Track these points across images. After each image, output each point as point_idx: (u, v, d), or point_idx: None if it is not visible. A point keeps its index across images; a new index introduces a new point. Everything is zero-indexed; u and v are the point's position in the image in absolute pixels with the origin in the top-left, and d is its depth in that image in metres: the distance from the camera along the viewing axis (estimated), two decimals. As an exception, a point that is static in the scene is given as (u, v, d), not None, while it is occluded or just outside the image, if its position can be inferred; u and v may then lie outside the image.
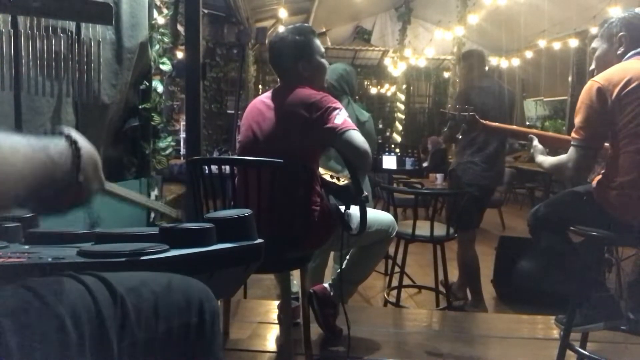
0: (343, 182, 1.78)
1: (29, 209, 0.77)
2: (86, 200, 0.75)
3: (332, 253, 2.46)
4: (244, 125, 1.86)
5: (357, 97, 2.87)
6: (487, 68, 3.17)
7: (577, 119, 1.70)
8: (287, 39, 1.78)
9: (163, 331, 0.72)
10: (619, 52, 1.73)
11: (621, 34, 1.72)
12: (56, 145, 0.69)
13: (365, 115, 2.55)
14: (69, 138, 0.71)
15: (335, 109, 1.64)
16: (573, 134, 1.72)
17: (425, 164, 6.08)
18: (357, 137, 1.61)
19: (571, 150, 1.72)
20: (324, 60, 1.82)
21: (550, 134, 2.27)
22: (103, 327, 0.65)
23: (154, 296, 0.72)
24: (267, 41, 1.88)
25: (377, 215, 1.96)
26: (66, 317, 0.62)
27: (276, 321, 2.27)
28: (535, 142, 1.96)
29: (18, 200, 0.62)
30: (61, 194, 0.70)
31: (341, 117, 1.62)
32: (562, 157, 1.77)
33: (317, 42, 1.82)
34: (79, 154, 0.70)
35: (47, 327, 0.60)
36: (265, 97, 1.84)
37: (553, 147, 1.99)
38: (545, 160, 1.89)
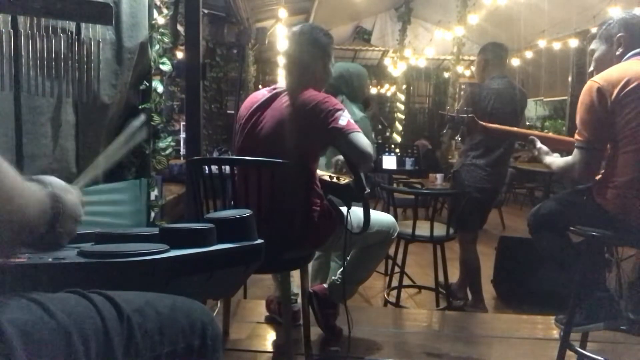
0: (344, 181, 1.78)
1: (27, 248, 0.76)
2: (58, 244, 0.76)
3: (332, 253, 2.46)
4: (243, 123, 1.82)
5: (364, 99, 2.83)
6: (504, 64, 2.92)
7: (579, 121, 1.70)
8: (308, 38, 1.83)
9: (167, 352, 0.73)
10: (617, 52, 1.73)
11: (620, 34, 1.72)
12: (40, 190, 0.68)
13: (357, 115, 2.55)
14: (51, 195, 0.70)
15: (339, 110, 1.67)
16: (576, 136, 1.71)
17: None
18: (362, 139, 1.64)
19: (576, 152, 1.71)
20: (332, 68, 1.90)
21: (550, 135, 2.26)
22: (109, 345, 0.66)
23: (158, 317, 0.73)
24: (286, 35, 1.94)
25: (378, 217, 1.96)
26: (74, 332, 0.62)
27: (276, 321, 2.26)
28: (539, 143, 1.95)
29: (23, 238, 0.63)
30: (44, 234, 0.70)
31: (345, 119, 1.66)
32: (569, 159, 1.77)
33: (331, 49, 1.90)
34: (60, 210, 0.70)
35: (55, 341, 0.60)
36: (264, 97, 1.81)
37: (553, 148, 1.99)
38: (554, 161, 1.88)
